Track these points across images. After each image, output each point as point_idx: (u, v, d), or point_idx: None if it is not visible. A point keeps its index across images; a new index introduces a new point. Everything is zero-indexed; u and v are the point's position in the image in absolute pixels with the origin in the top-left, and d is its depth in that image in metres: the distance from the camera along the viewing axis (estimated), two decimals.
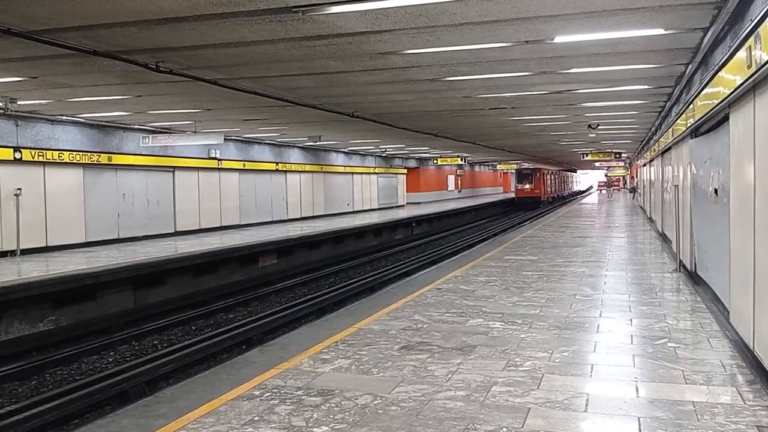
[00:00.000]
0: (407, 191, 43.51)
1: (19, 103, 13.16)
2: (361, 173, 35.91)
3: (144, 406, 5.08)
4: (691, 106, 9.31)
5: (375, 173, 37.85)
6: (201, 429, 4.41)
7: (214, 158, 22.78)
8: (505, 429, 4.25)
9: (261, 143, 25.73)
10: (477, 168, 60.68)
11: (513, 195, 55.14)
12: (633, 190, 49.42)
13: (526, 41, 8.37)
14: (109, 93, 12.57)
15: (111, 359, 10.36)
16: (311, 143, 27.38)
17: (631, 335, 6.74)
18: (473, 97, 13.87)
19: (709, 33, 7.58)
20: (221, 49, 8.56)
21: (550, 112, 16.92)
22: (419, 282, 10.89)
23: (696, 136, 9.81)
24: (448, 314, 7.96)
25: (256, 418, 4.57)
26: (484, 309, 8.21)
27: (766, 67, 4.53)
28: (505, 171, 68.99)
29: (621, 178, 68.92)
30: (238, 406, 4.84)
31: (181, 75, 9.99)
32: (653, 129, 21.65)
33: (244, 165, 24.65)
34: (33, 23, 7.20)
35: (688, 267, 10.74)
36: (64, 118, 16.52)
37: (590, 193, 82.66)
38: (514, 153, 37.62)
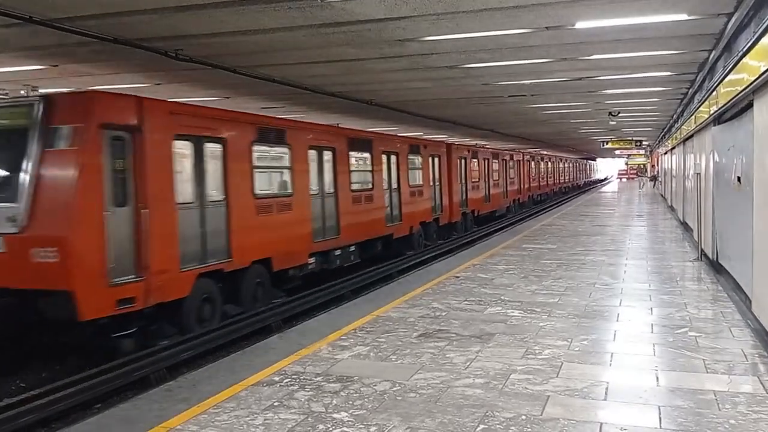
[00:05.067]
0: None
1: (40, 91, 13.26)
2: None
3: (166, 390, 5.16)
4: (714, 93, 9.17)
5: None
6: (222, 413, 4.46)
7: None
8: (524, 416, 4.25)
9: None
10: None
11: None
12: (654, 178, 48.90)
13: (546, 27, 8.29)
14: (129, 81, 12.64)
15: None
16: None
17: (652, 324, 6.69)
18: (492, 85, 13.77)
19: (733, 18, 7.45)
20: (240, 37, 8.57)
21: (570, 99, 16.76)
22: (437, 270, 10.89)
23: (719, 124, 9.67)
24: (466, 302, 7.95)
25: (276, 404, 4.61)
26: (502, 297, 8.19)
27: None
28: None
29: (641, 165, 67.82)
30: (259, 392, 4.88)
31: (200, 63, 10.03)
32: (675, 116, 21.37)
33: None
34: (54, 11, 7.27)
35: (710, 256, 10.62)
36: None
37: (608, 182, 79.27)
38: (532, 141, 37.33)
